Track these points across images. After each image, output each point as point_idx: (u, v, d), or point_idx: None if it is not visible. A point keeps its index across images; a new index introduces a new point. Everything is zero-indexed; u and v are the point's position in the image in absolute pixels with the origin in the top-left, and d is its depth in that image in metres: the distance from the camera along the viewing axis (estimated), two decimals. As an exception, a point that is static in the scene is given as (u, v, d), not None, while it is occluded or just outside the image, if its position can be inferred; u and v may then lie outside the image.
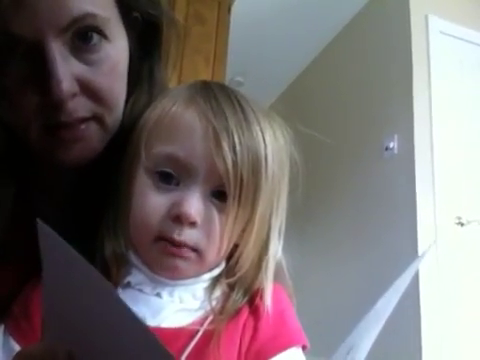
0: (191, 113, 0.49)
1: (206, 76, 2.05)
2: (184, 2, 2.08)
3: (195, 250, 0.49)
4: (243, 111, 0.50)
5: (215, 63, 2.11)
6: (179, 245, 0.48)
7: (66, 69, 0.49)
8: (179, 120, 0.50)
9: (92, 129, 0.54)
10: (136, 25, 0.59)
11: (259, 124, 0.51)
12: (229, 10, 2.41)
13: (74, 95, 0.51)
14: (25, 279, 0.53)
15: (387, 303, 0.43)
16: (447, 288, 2.41)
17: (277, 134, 0.53)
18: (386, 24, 3.02)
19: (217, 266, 0.54)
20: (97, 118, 0.54)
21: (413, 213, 2.47)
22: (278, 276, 0.56)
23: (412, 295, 2.35)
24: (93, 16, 0.50)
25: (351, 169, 3.07)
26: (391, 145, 2.72)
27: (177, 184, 0.49)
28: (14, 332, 0.50)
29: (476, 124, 2.75)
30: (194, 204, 0.48)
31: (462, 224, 2.52)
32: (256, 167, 0.49)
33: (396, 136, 2.71)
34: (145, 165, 0.51)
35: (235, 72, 3.59)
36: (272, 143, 0.51)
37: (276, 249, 0.56)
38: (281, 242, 0.56)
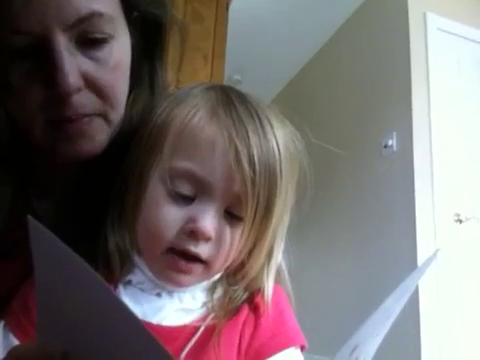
0: (213, 128, 0.49)
1: (204, 74, 2.04)
2: (182, 0, 2.08)
3: (204, 263, 0.50)
4: (262, 126, 0.50)
5: (213, 61, 2.10)
6: (192, 258, 0.49)
7: (72, 64, 0.50)
8: (200, 135, 0.49)
9: (96, 124, 0.54)
10: (138, 24, 0.60)
11: (275, 138, 0.51)
12: (227, 8, 2.40)
13: (79, 90, 0.51)
14: (24, 276, 0.53)
15: (395, 303, 0.43)
16: (446, 285, 2.41)
17: (289, 144, 0.53)
18: (384, 22, 3.02)
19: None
20: (101, 115, 0.55)
21: (412, 210, 2.47)
22: (278, 277, 0.56)
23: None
24: (99, 14, 0.51)
25: (350, 167, 3.07)
26: (390, 143, 2.73)
27: (193, 198, 0.49)
28: (14, 327, 0.50)
29: (474, 121, 2.75)
30: (210, 220, 0.48)
31: (461, 221, 2.52)
32: (272, 184, 0.49)
33: (395, 134, 2.71)
34: (162, 175, 0.50)
35: (233, 70, 3.59)
36: (285, 155, 0.51)
37: (279, 250, 0.56)
38: (283, 241, 0.57)
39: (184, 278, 0.50)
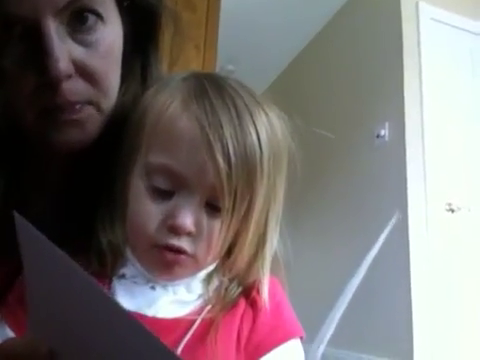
0: (185, 120, 0.48)
1: (197, 63, 2.03)
2: (174, -11, 2.05)
3: (191, 256, 0.49)
4: (239, 116, 0.48)
5: (206, 50, 2.09)
6: (176, 250, 0.48)
7: (63, 49, 0.50)
8: (173, 128, 0.48)
9: (88, 113, 0.54)
10: (131, 11, 0.59)
11: (255, 126, 0.49)
12: (219, -3, 2.38)
13: (70, 77, 0.51)
14: (19, 270, 0.53)
15: (351, 285, 0.44)
16: (438, 274, 2.44)
17: (274, 129, 0.52)
18: (377, 11, 3.01)
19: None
20: (93, 103, 0.54)
21: (404, 200, 2.48)
22: (272, 266, 0.56)
23: (403, 281, 2.38)
24: None
25: (342, 157, 3.08)
26: (382, 133, 2.73)
27: (172, 193, 0.49)
28: (10, 320, 0.50)
29: (466, 111, 2.76)
30: (189, 215, 0.48)
31: (452, 210, 2.54)
32: (251, 176, 0.48)
33: (387, 124, 2.72)
34: (140, 171, 0.50)
35: (226, 60, 3.57)
36: (268, 143, 0.50)
37: (273, 241, 0.56)
38: (277, 232, 0.56)
39: (174, 270, 0.50)
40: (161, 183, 0.48)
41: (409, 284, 2.35)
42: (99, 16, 0.52)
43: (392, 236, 2.52)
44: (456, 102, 2.75)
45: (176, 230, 0.47)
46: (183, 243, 0.48)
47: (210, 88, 0.50)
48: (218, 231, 0.49)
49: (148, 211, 0.49)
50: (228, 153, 0.47)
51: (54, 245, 0.31)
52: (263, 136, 0.49)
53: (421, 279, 2.38)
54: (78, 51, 0.51)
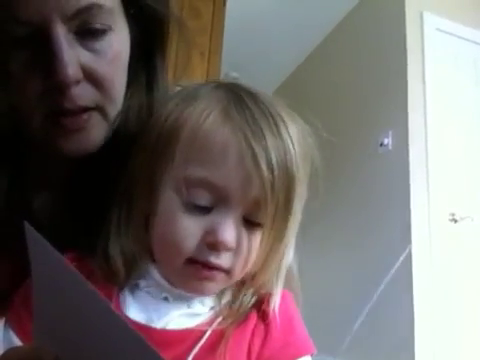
0: (227, 131, 0.46)
1: (201, 70, 2.04)
2: (179, -4, 2.07)
3: (226, 272, 0.48)
4: (276, 124, 0.47)
5: (210, 57, 2.10)
6: (213, 267, 0.47)
7: (72, 55, 0.50)
8: (214, 139, 0.46)
9: (94, 119, 0.54)
10: (138, 19, 0.59)
11: (290, 136, 0.48)
12: (224, 4, 2.39)
13: (78, 82, 0.51)
14: (22, 271, 0.53)
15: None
16: (440, 284, 2.42)
17: (301, 140, 0.51)
18: (381, 21, 3.02)
19: None
20: (99, 108, 0.54)
21: (407, 209, 2.48)
22: (287, 280, 0.55)
23: (406, 291, 2.37)
24: (99, 6, 0.51)
25: (345, 165, 3.08)
26: (385, 141, 2.73)
27: (210, 208, 0.47)
28: (15, 324, 0.49)
29: (470, 121, 2.76)
30: (230, 230, 0.46)
31: (456, 220, 2.53)
32: (291, 186, 0.47)
33: (390, 132, 2.72)
34: (176, 185, 0.48)
35: (230, 67, 3.58)
36: (300, 153, 0.49)
37: (290, 256, 0.55)
38: (292, 245, 0.55)
39: (207, 286, 0.48)
40: (200, 198, 0.46)
41: (411, 294, 2.34)
42: (107, 24, 0.53)
43: (395, 246, 2.50)
44: (460, 111, 2.75)
45: (217, 246, 0.46)
46: (222, 260, 0.47)
47: (246, 96, 0.49)
48: (255, 245, 0.48)
49: (186, 227, 0.47)
50: (272, 163, 0.45)
51: (62, 256, 0.32)
52: (298, 147, 0.49)
53: (424, 289, 2.37)
54: (86, 57, 0.52)
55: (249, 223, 0.48)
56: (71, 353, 0.36)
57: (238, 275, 0.50)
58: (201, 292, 0.50)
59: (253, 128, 0.46)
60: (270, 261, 0.51)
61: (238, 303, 0.52)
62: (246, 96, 0.49)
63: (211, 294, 0.51)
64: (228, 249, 0.47)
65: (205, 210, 0.47)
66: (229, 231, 0.46)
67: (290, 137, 0.48)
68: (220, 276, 0.48)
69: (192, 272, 0.48)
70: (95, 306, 0.32)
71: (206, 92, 0.51)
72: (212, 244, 0.46)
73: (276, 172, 0.45)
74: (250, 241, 0.48)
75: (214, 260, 0.47)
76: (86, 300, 0.32)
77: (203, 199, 0.47)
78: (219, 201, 0.47)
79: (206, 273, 0.47)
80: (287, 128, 0.48)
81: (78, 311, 0.33)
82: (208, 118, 0.47)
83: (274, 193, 0.46)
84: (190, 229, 0.47)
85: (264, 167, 0.45)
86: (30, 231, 0.32)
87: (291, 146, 0.48)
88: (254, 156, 0.45)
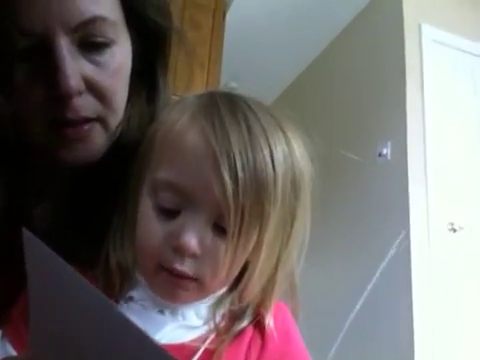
0: (192, 134, 0.46)
1: (201, 81, 2.05)
2: (179, 7, 2.09)
3: (196, 279, 0.47)
4: (249, 130, 0.46)
5: (209, 68, 2.11)
6: (179, 275, 0.46)
7: (74, 66, 0.51)
8: (180, 141, 0.46)
9: (96, 130, 0.55)
10: (141, 32, 0.60)
11: (269, 144, 0.46)
12: (224, 16, 2.41)
13: (80, 93, 0.52)
14: (20, 282, 0.53)
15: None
16: (439, 294, 2.41)
17: (293, 152, 0.49)
18: (379, 32, 3.04)
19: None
20: (100, 119, 0.55)
21: (406, 219, 2.47)
22: (288, 292, 0.54)
23: (405, 300, 2.36)
24: (102, 19, 0.52)
25: (344, 175, 3.08)
26: (384, 151, 2.73)
27: (179, 211, 0.46)
28: (12, 336, 0.49)
29: (469, 131, 2.77)
30: (194, 235, 0.45)
31: (455, 230, 2.53)
32: (261, 196, 0.45)
33: (389, 143, 2.72)
34: (148, 187, 0.48)
35: (229, 78, 3.59)
36: (284, 164, 0.47)
37: (288, 271, 0.53)
38: (301, 263, 0.54)
39: (178, 294, 0.48)
40: (167, 201, 0.46)
41: (411, 303, 2.33)
42: (110, 37, 0.53)
43: (394, 255, 2.50)
44: (458, 122, 2.75)
45: (180, 251, 0.45)
46: (186, 267, 0.46)
47: (222, 104, 0.48)
48: (223, 253, 0.46)
49: (154, 231, 0.46)
50: (235, 169, 0.44)
51: (64, 261, 0.31)
52: (278, 156, 0.47)
53: (423, 298, 2.36)
54: (89, 69, 0.52)
55: (220, 230, 0.46)
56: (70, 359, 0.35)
57: (210, 285, 0.48)
58: (174, 300, 0.49)
59: (218, 133, 0.45)
60: (250, 275, 0.49)
61: (233, 320, 0.50)
62: (223, 104, 0.48)
63: (186, 303, 0.50)
64: (191, 254, 0.45)
65: (173, 214, 0.46)
66: (191, 234, 0.45)
67: (269, 147, 0.46)
68: (191, 285, 0.47)
69: (163, 278, 0.47)
70: (102, 309, 0.31)
71: (188, 99, 0.51)
72: (176, 248, 0.45)
73: (241, 178, 0.44)
74: (216, 248, 0.46)
75: (179, 267, 0.45)
76: (92, 304, 0.31)
77: (170, 202, 0.46)
78: (186, 205, 0.46)
79: (176, 281, 0.46)
80: (268, 138, 0.47)
81: (82, 316, 0.32)
82: (177, 122, 0.48)
83: (237, 200, 0.44)
84: (157, 233, 0.46)
85: (225, 172, 0.44)
86: (28, 236, 0.32)
87: (267, 155, 0.46)
88: (215, 159, 0.44)
